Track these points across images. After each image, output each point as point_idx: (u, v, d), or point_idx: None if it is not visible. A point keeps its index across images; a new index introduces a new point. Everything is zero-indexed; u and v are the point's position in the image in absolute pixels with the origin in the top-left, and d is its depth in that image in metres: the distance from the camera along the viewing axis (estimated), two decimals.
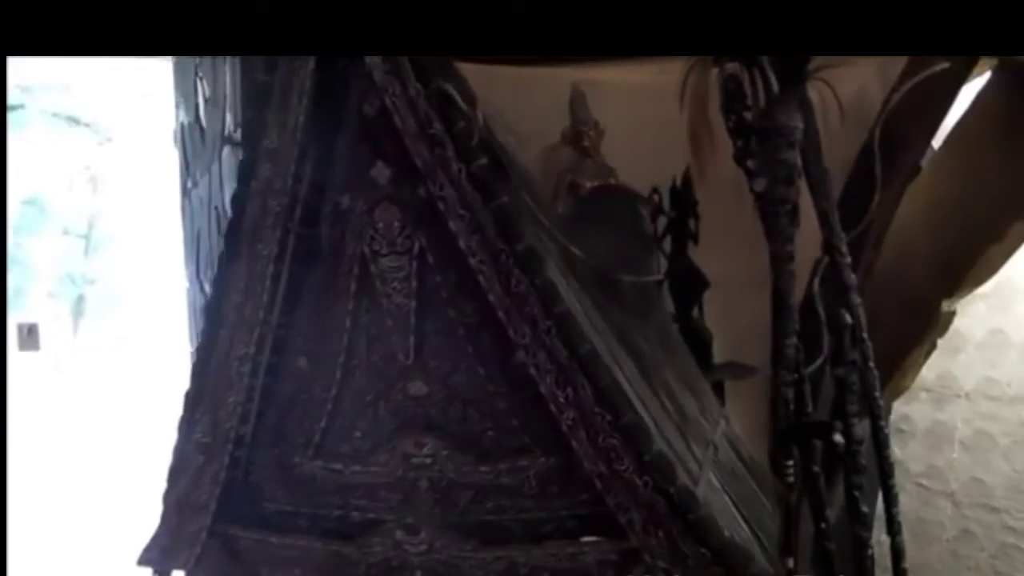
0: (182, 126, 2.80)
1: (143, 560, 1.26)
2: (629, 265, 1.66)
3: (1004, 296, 2.85)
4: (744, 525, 1.25)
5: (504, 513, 1.16)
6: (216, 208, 2.32)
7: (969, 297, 2.59)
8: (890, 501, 2.18)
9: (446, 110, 1.01)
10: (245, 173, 1.11)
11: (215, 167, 2.31)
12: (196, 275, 2.68)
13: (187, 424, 1.21)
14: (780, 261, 2.21)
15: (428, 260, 1.10)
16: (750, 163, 2.32)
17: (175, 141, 2.98)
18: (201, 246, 2.62)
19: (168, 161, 3.22)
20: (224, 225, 2.19)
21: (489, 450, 1.15)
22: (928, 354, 2.63)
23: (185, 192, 2.84)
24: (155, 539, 1.26)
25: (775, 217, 2.17)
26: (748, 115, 2.34)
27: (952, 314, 2.54)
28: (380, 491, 1.19)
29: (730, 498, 1.30)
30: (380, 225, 1.09)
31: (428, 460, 1.16)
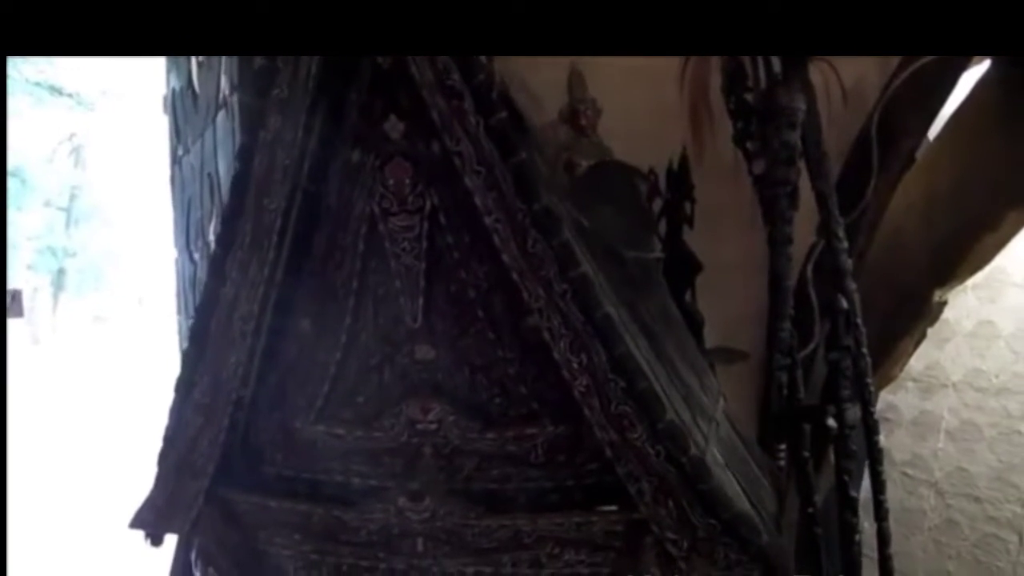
0: (173, 91, 2.74)
1: (136, 522, 1.23)
2: (631, 241, 1.64)
3: (993, 287, 2.87)
4: (746, 501, 1.24)
5: (509, 481, 1.14)
6: (209, 175, 2.27)
7: (958, 288, 2.60)
8: (878, 487, 2.19)
9: (464, 61, 0.98)
10: (253, 123, 1.08)
11: (208, 133, 2.26)
12: (186, 245, 2.63)
13: (186, 385, 1.18)
14: (778, 243, 2.21)
15: (440, 220, 1.07)
16: (750, 145, 2.31)
17: (165, 107, 2.91)
18: (192, 215, 2.56)
19: (153, 131, 3.15)
20: (219, 192, 2.15)
21: (496, 417, 1.13)
22: (918, 343, 2.64)
23: (175, 160, 2.78)
24: (150, 501, 1.22)
25: (775, 199, 2.16)
26: (749, 97, 2.32)
27: (943, 304, 2.55)
28: (383, 457, 1.17)
29: (732, 474, 1.29)
30: (391, 182, 1.06)
31: (433, 426, 1.13)
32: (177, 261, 2.81)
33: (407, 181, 1.06)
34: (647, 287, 1.59)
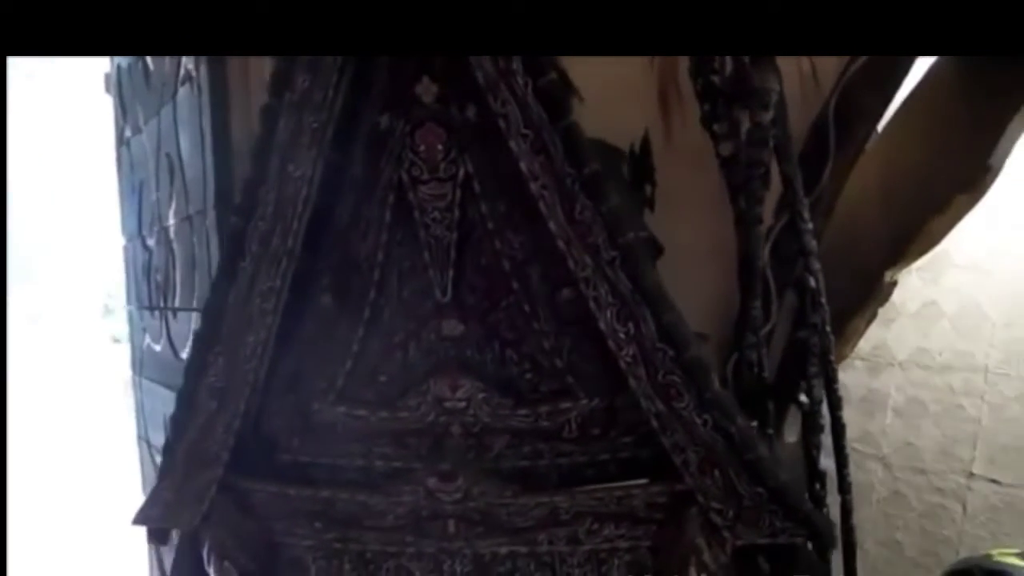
0: (118, 69, 2.57)
1: (141, 518, 1.14)
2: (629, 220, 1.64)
3: (936, 269, 2.98)
4: None
5: (541, 458, 1.11)
6: (168, 155, 2.14)
7: (903, 270, 2.71)
8: (842, 461, 2.25)
9: None
10: (278, 84, 1.01)
11: (167, 111, 2.14)
12: (138, 231, 2.48)
13: (198, 368, 1.10)
14: (751, 224, 2.24)
15: (474, 188, 1.03)
16: (716, 127, 2.34)
17: (107, 87, 2.74)
18: (144, 198, 2.42)
19: (90, 113, 2.96)
20: (180, 173, 2.04)
21: (527, 393, 1.10)
22: (869, 323, 2.73)
23: (122, 141, 2.62)
24: (156, 495, 1.14)
25: (748, 180, 2.19)
26: (716, 79, 2.35)
27: (894, 284, 2.64)
28: (408, 438, 1.12)
29: None
30: (422, 148, 1.02)
31: (462, 404, 1.09)
32: (127, 248, 2.66)
33: (439, 147, 1.02)
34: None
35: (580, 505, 1.08)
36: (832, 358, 2.18)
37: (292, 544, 1.18)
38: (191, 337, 1.09)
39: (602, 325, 1.00)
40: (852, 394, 3.25)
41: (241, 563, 1.14)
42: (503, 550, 1.11)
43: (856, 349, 3.00)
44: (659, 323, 0.99)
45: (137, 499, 2.68)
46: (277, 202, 1.03)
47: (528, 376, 1.10)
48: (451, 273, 1.07)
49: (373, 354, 1.12)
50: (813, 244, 2.18)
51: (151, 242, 2.41)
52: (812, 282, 2.12)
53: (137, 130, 2.43)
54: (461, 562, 1.13)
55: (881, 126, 2.61)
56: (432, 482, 1.09)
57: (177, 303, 2.16)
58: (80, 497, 4.97)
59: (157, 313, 2.35)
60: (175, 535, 1.21)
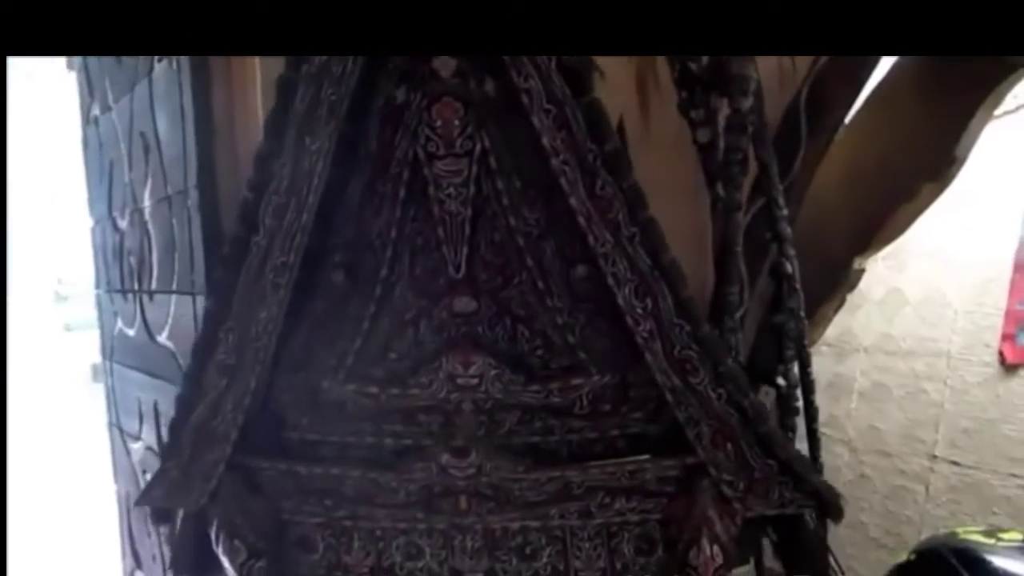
0: None
1: (145, 499, 1.12)
2: None
3: (901, 257, 3.08)
4: None
5: (551, 434, 1.12)
6: (143, 134, 2.08)
7: (870, 258, 2.79)
8: (814, 444, 2.32)
9: None
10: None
11: (141, 88, 2.08)
12: (108, 212, 2.41)
13: (206, 344, 1.08)
14: (729, 210, 2.27)
15: (490, 164, 1.03)
16: (694, 114, 2.37)
17: (70, 64, 2.65)
18: (115, 179, 2.35)
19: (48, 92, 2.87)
20: (158, 152, 1.99)
21: (538, 369, 1.11)
22: (838, 309, 2.81)
23: (88, 120, 2.53)
24: (162, 475, 1.12)
25: (726, 166, 2.23)
26: (694, 66, 2.38)
27: (862, 271, 2.71)
28: (419, 415, 1.12)
29: None
30: (438, 123, 1.01)
31: (475, 380, 1.09)
32: (94, 231, 2.58)
33: (456, 122, 1.01)
34: None
35: (592, 479, 1.09)
36: (806, 343, 2.24)
37: (301, 522, 1.17)
38: (204, 313, 1.07)
39: (620, 301, 1.01)
40: (819, 379, 3.33)
41: (250, 541, 1.12)
42: (515, 525, 1.12)
43: (823, 335, 3.08)
44: (676, 299, 1.00)
45: (107, 487, 2.63)
46: (292, 175, 1.02)
47: (539, 353, 1.10)
48: (465, 250, 1.06)
49: (384, 331, 1.11)
50: (788, 231, 2.23)
51: (123, 224, 2.34)
52: (789, 268, 2.17)
53: (106, 108, 2.36)
54: (472, 538, 1.13)
55: (850, 116, 2.67)
56: (445, 458, 1.09)
57: (154, 286, 2.11)
58: (42, 486, 4.83)
59: (130, 297, 2.29)
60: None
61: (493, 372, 1.09)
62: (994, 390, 2.78)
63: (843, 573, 1.19)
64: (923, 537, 2.56)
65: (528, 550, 1.13)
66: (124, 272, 2.33)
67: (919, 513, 2.98)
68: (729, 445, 1.04)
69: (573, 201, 0.98)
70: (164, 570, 2.19)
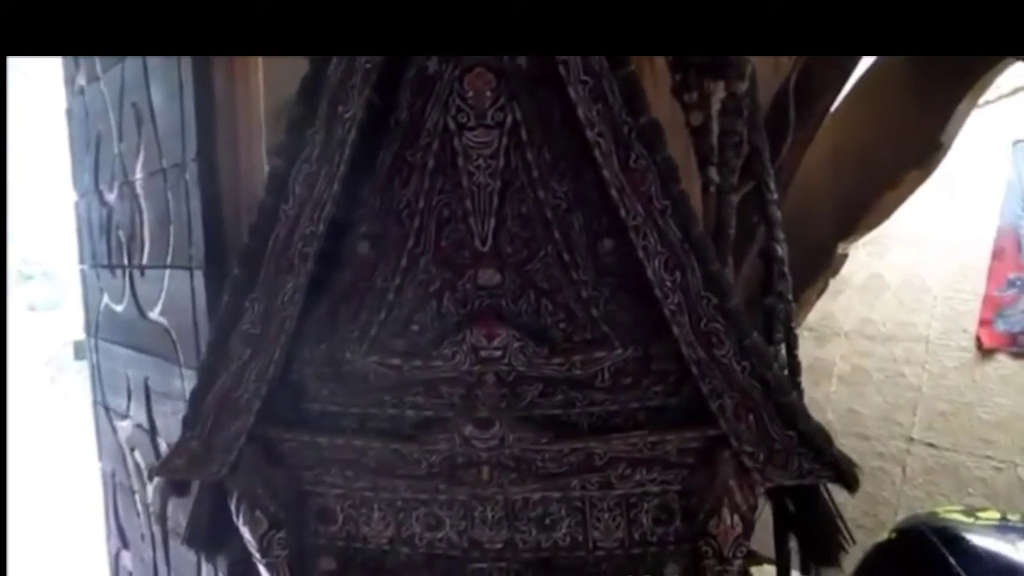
0: None
1: (164, 469, 1.11)
2: None
3: (882, 243, 3.14)
4: None
5: (572, 407, 1.13)
6: (135, 104, 2.04)
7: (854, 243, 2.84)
8: None
9: None
10: None
11: (134, 58, 2.03)
12: (95, 185, 2.36)
13: (231, 314, 1.07)
14: (724, 192, 2.30)
15: (521, 135, 1.03)
16: (687, 97, 2.39)
17: None
18: (102, 151, 2.30)
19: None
20: (151, 123, 1.95)
21: (561, 342, 1.11)
22: (821, 293, 2.86)
23: (74, 91, 2.47)
24: (182, 445, 1.11)
25: (721, 149, 2.25)
26: None
27: (845, 256, 2.77)
28: (441, 387, 1.12)
29: None
30: (470, 94, 1.01)
31: (498, 353, 1.10)
32: (79, 204, 2.52)
33: (488, 93, 1.01)
34: None
35: (614, 451, 1.10)
36: (794, 325, 2.28)
37: (321, 493, 1.16)
38: (229, 282, 1.06)
39: (649, 274, 1.02)
40: None
41: (271, 512, 1.12)
42: (535, 496, 1.13)
43: (805, 320, 3.13)
44: (705, 272, 1.02)
45: (92, 466, 2.59)
46: (324, 143, 1.01)
47: (562, 326, 1.11)
48: (492, 222, 1.07)
49: (408, 303, 1.11)
50: (778, 214, 2.27)
51: (111, 197, 2.30)
52: (779, 251, 2.20)
53: (94, 78, 2.30)
54: (492, 509, 1.14)
55: (837, 103, 2.71)
56: (468, 429, 1.10)
57: (145, 261, 2.07)
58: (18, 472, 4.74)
59: (119, 272, 2.25)
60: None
61: (516, 344, 1.09)
62: (970, 374, 2.86)
63: (854, 542, 1.22)
64: (900, 518, 2.63)
65: (547, 521, 1.14)
66: (112, 247, 2.29)
67: (896, 494, 3.06)
68: (751, 417, 1.06)
69: (606, 173, 0.99)
70: (153, 548, 2.17)
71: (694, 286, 1.02)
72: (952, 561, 2.00)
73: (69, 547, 4.02)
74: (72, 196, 2.57)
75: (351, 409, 1.14)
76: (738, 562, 1.10)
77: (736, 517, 1.07)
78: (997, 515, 2.18)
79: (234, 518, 1.14)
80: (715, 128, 2.26)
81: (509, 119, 1.02)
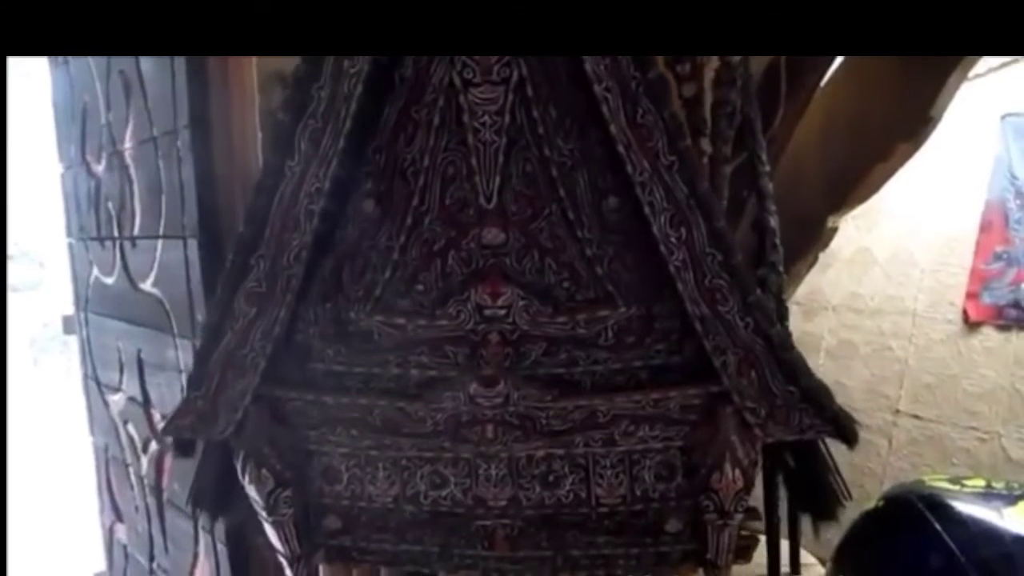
0: None
1: (171, 429, 1.10)
2: None
3: (871, 217, 3.16)
4: None
5: (576, 365, 1.14)
6: (122, 72, 2.01)
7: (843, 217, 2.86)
8: None
9: None
10: None
11: None
12: (81, 157, 2.33)
13: (237, 272, 1.07)
14: (716, 163, 2.31)
15: (527, 92, 1.03)
16: (679, 68, 2.39)
17: None
18: (89, 122, 2.27)
19: None
20: (141, 92, 1.93)
21: (565, 301, 1.12)
22: (810, 267, 2.89)
23: (57, 62, 2.43)
24: (187, 405, 1.10)
25: (715, 119, 2.26)
26: None
27: (835, 230, 2.78)
28: (445, 346, 1.12)
29: None
30: None
31: (502, 311, 1.10)
32: (65, 177, 2.49)
33: None
34: None
35: (617, 408, 1.12)
36: (784, 297, 2.30)
37: (326, 452, 1.17)
38: (235, 240, 1.05)
39: (655, 230, 1.02)
40: None
41: (277, 470, 1.12)
42: (539, 453, 1.14)
43: (794, 293, 3.15)
44: (710, 228, 1.02)
45: (82, 446, 2.57)
46: (331, 99, 1.01)
47: (566, 285, 1.11)
48: (497, 180, 1.07)
49: (412, 262, 1.11)
50: (770, 186, 2.28)
51: (99, 168, 2.27)
52: (771, 222, 2.22)
53: None
54: (496, 466, 1.15)
55: (828, 76, 2.72)
56: (473, 387, 1.10)
57: (136, 232, 2.05)
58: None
59: (109, 244, 2.23)
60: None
61: (521, 303, 1.10)
62: (956, 347, 2.89)
63: (851, 497, 1.24)
64: (885, 488, 2.67)
65: (551, 478, 1.15)
66: (100, 219, 2.27)
67: (882, 465, 3.10)
68: (753, 373, 1.07)
69: (613, 129, 0.99)
70: (148, 520, 2.17)
71: (699, 242, 1.03)
72: (938, 527, 2.04)
73: (62, 526, 4.00)
74: (56, 169, 2.53)
75: (356, 369, 1.14)
76: (738, 516, 1.12)
77: (737, 472, 1.09)
78: (982, 483, 2.21)
79: (240, 477, 1.14)
80: (708, 99, 2.26)
81: (515, 75, 1.02)
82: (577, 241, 1.09)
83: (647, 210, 1.02)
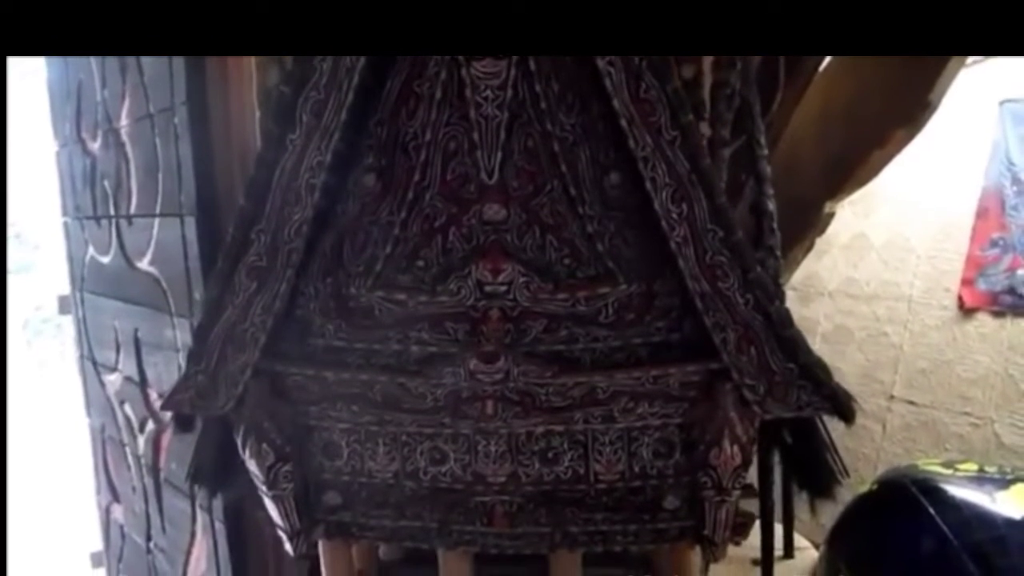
0: None
1: (171, 404, 1.10)
2: None
3: (867, 202, 3.17)
4: None
5: (576, 343, 1.14)
6: None
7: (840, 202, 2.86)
8: None
9: None
10: None
11: None
12: (76, 135, 2.31)
13: (238, 246, 1.06)
14: (716, 145, 2.31)
15: (530, 66, 1.03)
16: None
17: None
18: (84, 99, 2.26)
19: None
20: (137, 70, 1.91)
21: (565, 278, 1.12)
22: (807, 252, 2.89)
23: None
24: (187, 380, 1.10)
25: (715, 101, 2.25)
26: None
27: (832, 215, 2.79)
28: (445, 323, 1.12)
29: None
30: None
31: (503, 288, 1.10)
32: (59, 155, 2.48)
33: None
34: None
35: (617, 384, 1.12)
36: (781, 281, 2.31)
37: (327, 427, 1.17)
38: (236, 214, 1.05)
39: (656, 206, 1.02)
40: None
41: (277, 445, 1.12)
42: (539, 430, 1.14)
43: (790, 279, 3.16)
44: (712, 205, 1.02)
45: (76, 429, 2.57)
46: (332, 71, 1.00)
47: (567, 261, 1.11)
48: (499, 155, 1.06)
49: (413, 238, 1.11)
50: (768, 169, 2.28)
51: (94, 146, 2.26)
52: (769, 206, 2.22)
53: None
54: (496, 442, 1.15)
55: (827, 61, 2.71)
56: (474, 363, 1.10)
57: (133, 210, 2.04)
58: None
59: (104, 223, 2.22)
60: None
61: (522, 280, 1.10)
62: (951, 333, 2.90)
63: (848, 475, 1.25)
64: (879, 473, 2.68)
65: (550, 454, 1.16)
66: (96, 197, 2.26)
67: (875, 450, 3.12)
68: (752, 349, 1.07)
69: (616, 104, 0.99)
70: (145, 500, 2.17)
71: (700, 218, 1.03)
72: (931, 511, 2.06)
73: (58, 508, 4.01)
74: (51, 147, 2.52)
75: (356, 345, 1.14)
76: (736, 492, 1.13)
77: (736, 448, 1.09)
78: (975, 467, 2.23)
79: (240, 452, 1.14)
80: (707, 81, 2.25)
81: None
82: (578, 217, 1.09)
83: (649, 186, 1.02)
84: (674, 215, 1.03)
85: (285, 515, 1.18)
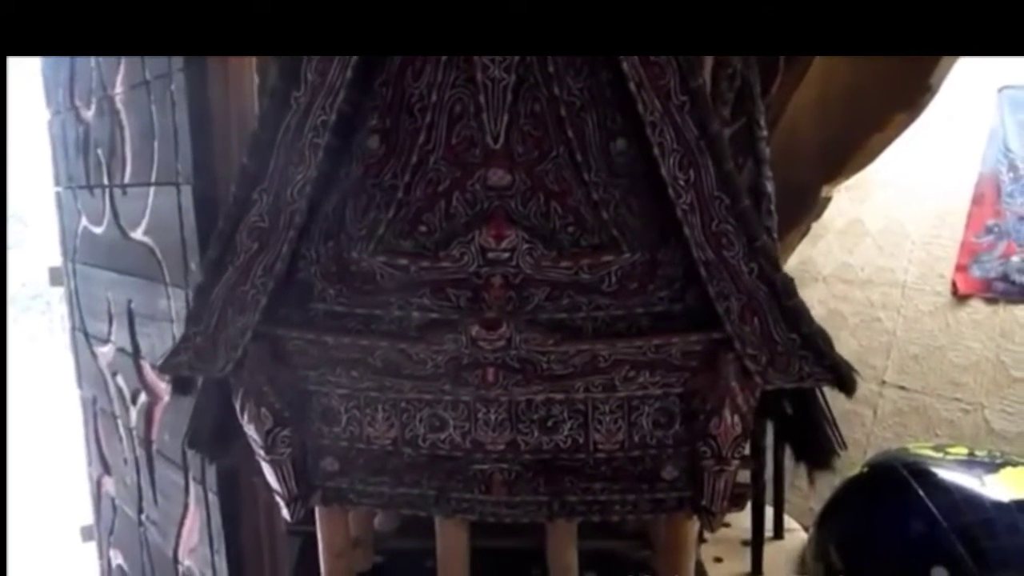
0: None
1: (169, 366, 1.09)
2: None
3: (863, 188, 3.17)
4: None
5: (578, 311, 1.13)
6: None
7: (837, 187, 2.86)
8: None
9: None
10: None
11: None
12: (70, 102, 2.28)
13: (240, 206, 1.05)
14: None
15: None
16: None
17: None
18: (77, 65, 2.22)
19: None
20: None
21: (569, 246, 1.11)
22: (803, 236, 2.89)
23: None
24: (185, 341, 1.09)
25: (716, 80, 2.24)
26: None
27: (828, 200, 2.79)
28: (447, 289, 1.11)
29: None
30: None
31: (506, 255, 1.09)
32: (52, 123, 2.45)
33: None
34: None
35: (619, 353, 1.11)
36: (778, 264, 2.30)
37: (326, 393, 1.16)
38: (238, 173, 1.03)
39: (663, 172, 1.02)
40: None
41: (276, 409, 1.11)
42: (539, 398, 1.14)
43: (786, 263, 3.16)
44: (719, 171, 1.02)
45: (69, 399, 2.55)
46: None
47: (571, 229, 1.10)
48: (505, 119, 1.05)
49: (416, 202, 1.10)
50: (767, 151, 2.27)
51: (88, 114, 2.23)
52: (768, 187, 2.21)
53: None
54: (496, 410, 1.15)
55: None
56: (475, 330, 1.09)
57: (127, 179, 2.02)
58: None
59: (98, 192, 2.19)
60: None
61: (525, 246, 1.09)
62: (944, 319, 2.92)
63: (845, 447, 1.25)
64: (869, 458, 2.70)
65: (550, 423, 1.15)
66: (90, 166, 2.23)
67: (866, 435, 3.14)
68: (756, 319, 1.07)
69: (625, 66, 0.98)
70: (137, 472, 2.16)
71: (708, 185, 1.02)
72: (921, 493, 2.07)
73: (48, 481, 3.99)
74: (43, 116, 2.48)
75: (357, 310, 1.13)
76: (735, 462, 1.13)
77: (736, 418, 1.09)
78: (965, 451, 2.25)
79: (238, 416, 1.13)
80: (709, 60, 2.24)
81: None
82: (583, 184, 1.08)
83: (656, 151, 1.01)
84: (681, 181, 1.02)
85: (283, 480, 1.18)
